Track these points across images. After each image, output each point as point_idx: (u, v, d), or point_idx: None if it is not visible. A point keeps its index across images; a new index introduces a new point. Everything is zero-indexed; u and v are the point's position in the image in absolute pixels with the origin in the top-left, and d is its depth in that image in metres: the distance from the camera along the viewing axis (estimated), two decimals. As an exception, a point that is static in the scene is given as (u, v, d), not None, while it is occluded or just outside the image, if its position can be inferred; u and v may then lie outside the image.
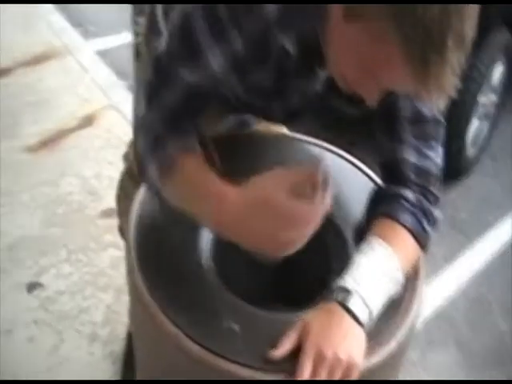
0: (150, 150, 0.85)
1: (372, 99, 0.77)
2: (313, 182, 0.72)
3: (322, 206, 0.72)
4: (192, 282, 0.87)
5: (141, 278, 0.86)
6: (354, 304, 0.79)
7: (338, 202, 1.00)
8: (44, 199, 2.07)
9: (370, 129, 0.98)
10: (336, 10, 0.72)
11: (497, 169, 2.71)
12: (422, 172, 0.94)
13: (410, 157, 0.93)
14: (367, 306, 0.80)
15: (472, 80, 2.29)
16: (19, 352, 1.61)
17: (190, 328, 0.80)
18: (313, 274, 0.95)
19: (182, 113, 0.85)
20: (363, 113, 0.93)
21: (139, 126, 0.88)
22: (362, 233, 0.93)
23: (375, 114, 0.93)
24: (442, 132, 0.95)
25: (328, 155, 1.13)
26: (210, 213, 0.78)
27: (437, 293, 2.06)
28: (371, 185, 1.06)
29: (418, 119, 0.92)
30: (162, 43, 0.86)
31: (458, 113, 2.34)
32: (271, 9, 0.77)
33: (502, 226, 2.42)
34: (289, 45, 0.82)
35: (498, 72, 2.51)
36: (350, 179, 1.09)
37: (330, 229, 0.98)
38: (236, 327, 0.81)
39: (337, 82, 0.80)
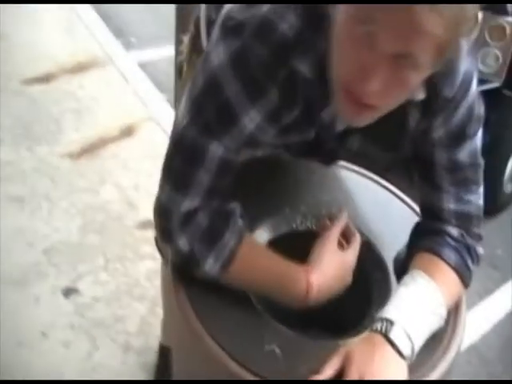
0: (205, 245, 0.86)
1: (365, 105, 0.75)
2: (344, 232, 0.96)
3: (357, 244, 0.96)
4: (236, 305, 0.89)
5: (187, 300, 0.89)
6: (396, 336, 0.80)
7: (380, 233, 1.05)
8: (83, 206, 2.13)
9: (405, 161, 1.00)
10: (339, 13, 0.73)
11: (534, 204, 2.73)
12: (463, 215, 0.95)
13: (450, 204, 0.94)
14: (410, 338, 0.81)
15: (505, 118, 2.32)
16: (54, 355, 1.65)
17: (234, 350, 0.83)
18: (353, 304, 0.96)
19: (220, 188, 0.87)
20: (395, 157, 0.97)
21: (180, 223, 0.86)
22: (403, 266, 0.94)
23: (411, 161, 0.96)
24: (481, 173, 0.96)
25: (370, 187, 1.17)
26: (297, 297, 0.88)
27: (469, 329, 2.06)
28: (409, 213, 1.09)
29: (456, 167, 0.92)
30: (181, 114, 0.85)
31: (496, 149, 2.36)
32: (288, 33, 0.77)
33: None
34: (305, 70, 0.80)
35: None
36: (394, 211, 1.11)
37: (371, 259, 1.01)
38: (278, 351, 0.84)
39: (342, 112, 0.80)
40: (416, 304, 0.85)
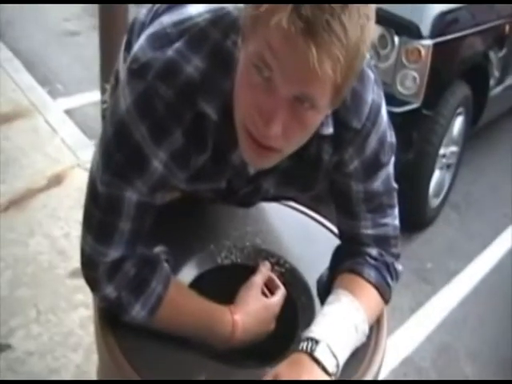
0: (133, 293, 0.88)
1: (266, 148, 0.76)
2: (268, 284, 1.04)
3: (282, 294, 1.03)
4: (164, 343, 0.91)
5: (115, 342, 0.91)
6: (321, 353, 0.83)
7: (303, 258, 1.11)
8: (13, 259, 2.12)
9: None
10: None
11: (459, 218, 2.88)
12: (381, 238, 1.00)
13: (368, 230, 0.98)
14: (334, 355, 0.84)
15: (434, 132, 2.47)
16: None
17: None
18: (280, 331, 1.00)
19: (142, 233, 0.89)
20: (313, 195, 1.01)
21: (106, 273, 0.89)
22: (326, 288, 0.99)
23: (328, 193, 1.00)
24: (395, 196, 1.00)
25: (291, 214, 1.24)
26: (223, 337, 0.93)
27: (403, 342, 2.16)
28: (330, 236, 1.15)
29: (372, 196, 0.96)
30: (95, 162, 0.86)
31: (421, 166, 2.51)
32: (194, 75, 0.79)
33: (466, 273, 2.55)
34: (212, 112, 0.82)
35: (458, 124, 2.70)
36: (314, 236, 1.19)
37: (296, 285, 1.07)
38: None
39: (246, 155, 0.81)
40: (339, 322, 0.89)
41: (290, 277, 1.09)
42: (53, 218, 2.34)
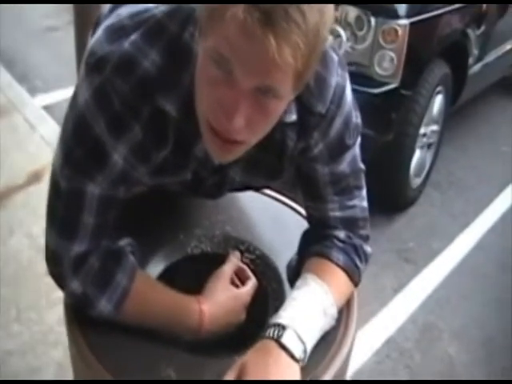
0: (98, 287, 0.87)
1: (229, 141, 0.75)
2: (237, 271, 1.04)
3: (252, 284, 1.03)
4: (129, 332, 0.90)
5: (81, 336, 0.90)
6: (288, 340, 0.82)
7: (274, 244, 1.10)
8: (-8, 259, 2.13)
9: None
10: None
11: (441, 197, 2.88)
12: (349, 220, 0.99)
13: (336, 213, 0.98)
14: (302, 341, 0.83)
15: (413, 112, 2.45)
16: None
17: (128, 377, 0.84)
18: (252, 316, 1.00)
19: (106, 226, 0.88)
20: (281, 182, 1.00)
21: (71, 267, 0.88)
22: (295, 272, 0.98)
23: (294, 178, 0.99)
24: (362, 177, 0.99)
25: (262, 201, 1.24)
26: (191, 327, 0.92)
27: (386, 323, 2.16)
28: (301, 221, 1.13)
29: (338, 179, 0.95)
30: (56, 157, 0.85)
31: (401, 145, 2.50)
32: (150, 69, 0.78)
33: (449, 253, 2.56)
34: (171, 108, 0.80)
35: (437, 103, 2.69)
36: (286, 222, 1.17)
37: (267, 272, 1.06)
38: (173, 374, 0.86)
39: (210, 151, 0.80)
40: (307, 306, 0.88)
41: (261, 263, 1.08)
42: (33, 216, 2.32)
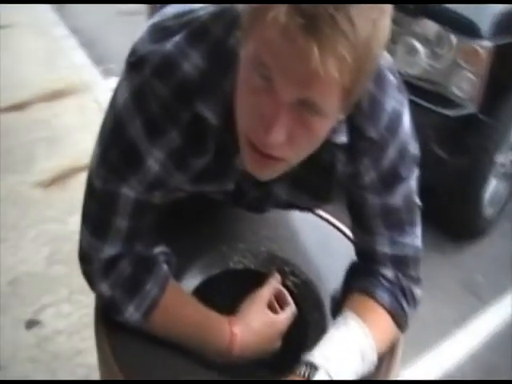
0: (127, 293, 0.87)
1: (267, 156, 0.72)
2: (277, 295, 0.98)
3: (291, 312, 0.97)
4: (157, 343, 0.89)
5: (107, 340, 0.90)
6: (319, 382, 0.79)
7: (320, 270, 1.05)
8: (50, 236, 2.17)
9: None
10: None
11: (515, 231, 2.75)
12: (399, 259, 0.93)
13: (385, 248, 0.92)
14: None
15: (489, 139, 2.34)
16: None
17: None
18: (290, 346, 0.95)
19: (140, 231, 0.87)
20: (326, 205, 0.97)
21: (101, 269, 0.87)
22: (338, 306, 0.94)
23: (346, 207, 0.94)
24: (417, 213, 0.94)
25: (313, 222, 1.18)
26: (220, 349, 0.89)
27: (444, 357, 2.07)
28: (351, 248, 1.06)
29: (390, 212, 0.90)
30: (93, 156, 0.84)
31: (475, 172, 2.39)
32: (192, 73, 0.75)
33: (518, 290, 2.44)
34: (211, 116, 0.78)
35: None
36: (336, 248, 1.11)
37: (309, 299, 1.02)
38: None
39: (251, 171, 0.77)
40: (344, 348, 0.83)
41: (304, 289, 1.04)
42: (93, 198, 2.34)
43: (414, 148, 0.88)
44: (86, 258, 0.89)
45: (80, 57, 3.38)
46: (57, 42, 3.43)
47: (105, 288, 0.88)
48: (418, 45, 2.23)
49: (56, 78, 3.08)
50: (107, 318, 0.92)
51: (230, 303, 0.93)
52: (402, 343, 0.96)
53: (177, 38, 0.76)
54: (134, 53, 0.79)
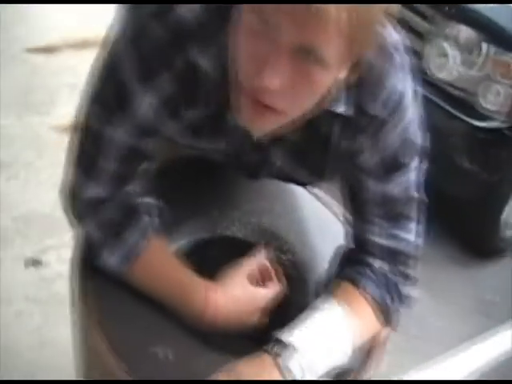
0: (105, 237, 0.87)
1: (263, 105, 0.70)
2: (262, 270, 0.95)
3: (273, 289, 0.94)
4: (141, 304, 0.89)
5: (90, 287, 0.90)
6: (288, 362, 0.79)
7: (311, 250, 1.03)
8: (60, 179, 2.15)
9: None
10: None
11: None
12: (390, 251, 0.92)
13: (378, 238, 0.91)
14: (302, 368, 0.79)
15: (509, 159, 2.27)
16: (3, 324, 1.67)
17: (119, 349, 0.83)
18: (270, 322, 0.94)
19: (128, 176, 0.87)
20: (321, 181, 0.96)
21: (84, 209, 0.88)
22: (324, 290, 0.93)
23: (341, 189, 0.94)
24: (415, 208, 0.92)
25: (312, 201, 1.16)
26: (193, 312, 0.88)
27: (447, 373, 2.04)
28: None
29: (387, 201, 0.89)
30: (88, 92, 0.84)
31: (493, 191, 2.33)
32: (187, 15, 0.74)
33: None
34: (206, 64, 0.77)
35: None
36: (333, 231, 1.07)
37: (295, 278, 1.00)
38: (170, 355, 0.85)
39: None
40: (319, 331, 0.83)
41: (290, 268, 1.03)
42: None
43: (418, 137, 0.86)
44: (69, 195, 0.89)
45: (112, 10, 3.35)
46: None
47: (87, 227, 0.88)
48: (448, 48, 2.17)
49: (86, 27, 3.06)
50: (86, 263, 0.91)
51: (211, 269, 0.92)
52: (387, 339, 0.94)
53: None
54: None
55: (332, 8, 0.60)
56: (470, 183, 2.30)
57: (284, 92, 0.67)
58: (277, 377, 0.78)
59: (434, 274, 2.38)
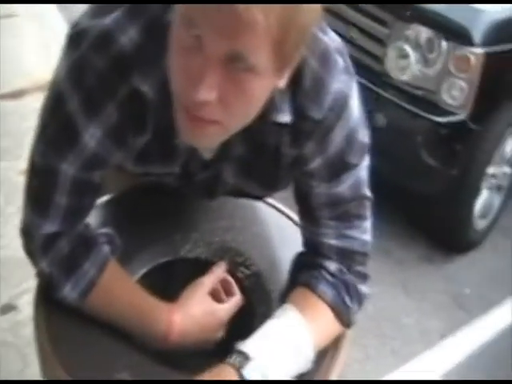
0: (64, 272, 0.87)
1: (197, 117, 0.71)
2: (224, 285, 0.98)
3: (235, 302, 0.97)
4: (97, 324, 0.89)
5: (43, 320, 0.90)
6: (249, 372, 0.79)
7: (273, 263, 1.05)
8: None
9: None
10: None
11: (508, 244, 2.70)
12: (344, 252, 0.93)
13: (330, 240, 0.92)
14: (264, 376, 0.79)
15: (480, 149, 2.33)
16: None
17: (79, 372, 0.84)
18: (233, 336, 0.94)
19: (81, 210, 0.88)
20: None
21: (41, 246, 0.88)
22: (283, 299, 0.93)
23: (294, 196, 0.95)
24: (366, 206, 0.93)
25: (271, 214, 1.18)
26: (157, 336, 0.89)
27: (427, 368, 2.06)
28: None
29: (336, 201, 0.89)
30: (36, 128, 0.84)
31: (464, 183, 2.38)
32: (127, 46, 0.76)
33: (507, 306, 2.40)
34: (148, 90, 0.78)
35: (511, 144, 2.54)
36: (292, 240, 1.07)
37: (257, 291, 1.02)
38: (128, 378, 0.85)
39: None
40: (279, 340, 0.84)
41: (254, 281, 1.04)
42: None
43: (363, 135, 0.87)
44: (27, 235, 0.90)
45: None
46: (54, 33, 3.43)
47: (44, 265, 0.88)
48: (409, 49, 2.24)
49: (53, 68, 3.09)
50: (47, 298, 0.92)
51: (176, 291, 0.93)
52: (349, 340, 0.95)
53: (116, 13, 0.77)
54: (74, 26, 0.80)
55: (258, 13, 0.61)
56: (438, 179, 2.34)
57: (220, 103, 0.68)
58: None
59: (407, 274, 2.41)
